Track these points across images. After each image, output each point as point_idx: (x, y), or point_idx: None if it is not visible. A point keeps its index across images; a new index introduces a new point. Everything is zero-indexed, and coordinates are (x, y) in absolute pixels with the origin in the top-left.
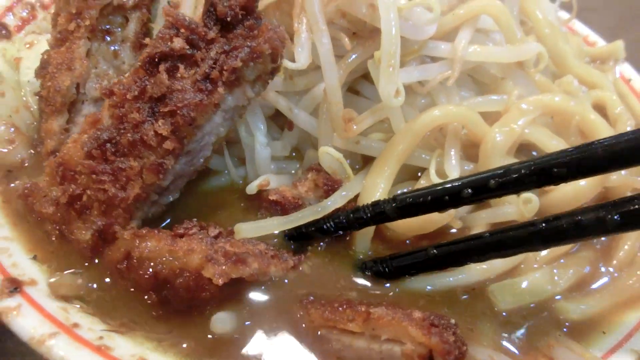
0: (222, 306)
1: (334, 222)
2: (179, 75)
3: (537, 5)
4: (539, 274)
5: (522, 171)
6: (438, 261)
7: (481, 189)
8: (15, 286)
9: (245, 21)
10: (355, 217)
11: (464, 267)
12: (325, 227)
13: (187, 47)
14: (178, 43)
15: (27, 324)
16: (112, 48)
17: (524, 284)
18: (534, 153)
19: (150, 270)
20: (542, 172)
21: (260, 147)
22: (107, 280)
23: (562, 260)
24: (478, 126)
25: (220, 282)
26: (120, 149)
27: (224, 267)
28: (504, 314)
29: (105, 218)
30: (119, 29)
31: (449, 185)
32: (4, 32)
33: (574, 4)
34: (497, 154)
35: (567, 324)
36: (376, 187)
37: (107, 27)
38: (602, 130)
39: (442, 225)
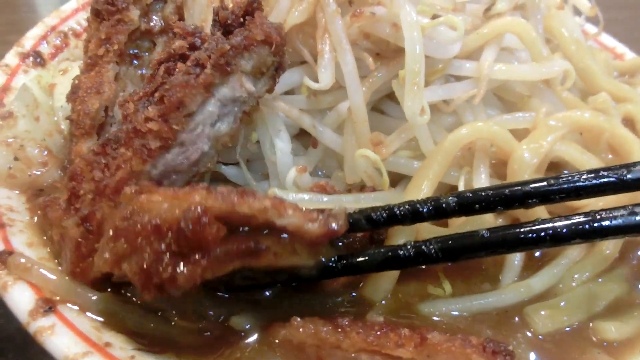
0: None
1: (385, 212)
2: (177, 71)
3: (562, 23)
4: (576, 294)
5: (583, 176)
6: (489, 245)
7: (542, 190)
8: (50, 305)
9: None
10: (411, 209)
11: (499, 289)
12: (374, 216)
13: (187, 45)
14: (178, 44)
15: (60, 344)
16: (140, 72)
17: (561, 305)
18: (566, 172)
19: (153, 221)
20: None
21: (282, 155)
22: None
23: (600, 280)
24: (507, 143)
25: (224, 207)
26: (118, 143)
27: (228, 196)
28: (540, 336)
29: (91, 207)
30: (147, 53)
31: (513, 185)
32: (38, 59)
33: (600, 18)
34: (525, 171)
35: (604, 344)
36: None
37: (135, 51)
38: (634, 145)
39: None
